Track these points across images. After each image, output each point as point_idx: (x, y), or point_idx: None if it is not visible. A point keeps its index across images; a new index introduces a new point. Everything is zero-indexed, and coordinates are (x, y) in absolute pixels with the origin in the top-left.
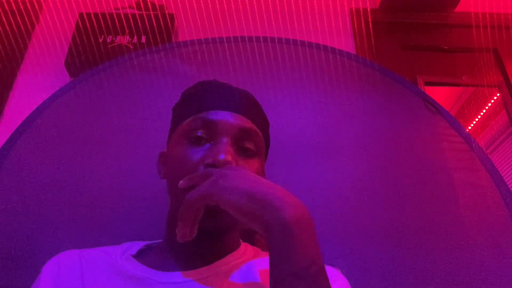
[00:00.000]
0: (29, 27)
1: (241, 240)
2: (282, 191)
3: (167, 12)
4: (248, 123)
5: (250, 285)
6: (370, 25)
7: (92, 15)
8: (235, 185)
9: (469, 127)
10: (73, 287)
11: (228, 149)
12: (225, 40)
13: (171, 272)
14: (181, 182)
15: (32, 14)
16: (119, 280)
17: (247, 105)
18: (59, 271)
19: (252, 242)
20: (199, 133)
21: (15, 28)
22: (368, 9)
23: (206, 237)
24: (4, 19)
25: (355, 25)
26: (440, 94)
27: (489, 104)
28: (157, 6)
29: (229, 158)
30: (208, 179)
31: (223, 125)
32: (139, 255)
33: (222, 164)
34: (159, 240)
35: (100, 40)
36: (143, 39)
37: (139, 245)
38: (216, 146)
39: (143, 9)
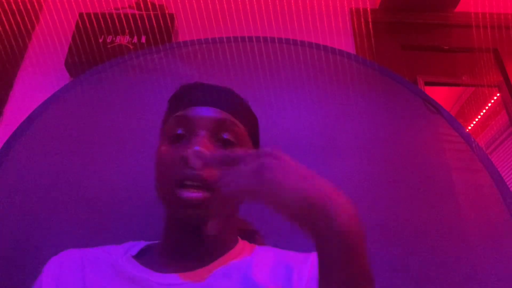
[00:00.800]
0: (29, 27)
1: (239, 238)
2: (334, 192)
3: (167, 12)
4: (223, 114)
5: (248, 285)
6: (370, 25)
7: (92, 15)
8: (285, 182)
9: (469, 127)
10: (74, 287)
11: (203, 141)
12: (225, 40)
13: (169, 274)
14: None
15: (32, 14)
16: (119, 281)
17: (224, 98)
18: (61, 271)
19: (252, 242)
20: (179, 131)
21: (15, 28)
22: (368, 9)
23: (197, 239)
24: (4, 19)
25: (355, 25)
26: (440, 94)
27: (489, 104)
28: (157, 6)
29: (203, 148)
30: (250, 168)
31: (198, 120)
32: (140, 256)
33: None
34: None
35: (100, 40)
36: (143, 39)
37: (140, 245)
38: (192, 139)
39: (143, 9)
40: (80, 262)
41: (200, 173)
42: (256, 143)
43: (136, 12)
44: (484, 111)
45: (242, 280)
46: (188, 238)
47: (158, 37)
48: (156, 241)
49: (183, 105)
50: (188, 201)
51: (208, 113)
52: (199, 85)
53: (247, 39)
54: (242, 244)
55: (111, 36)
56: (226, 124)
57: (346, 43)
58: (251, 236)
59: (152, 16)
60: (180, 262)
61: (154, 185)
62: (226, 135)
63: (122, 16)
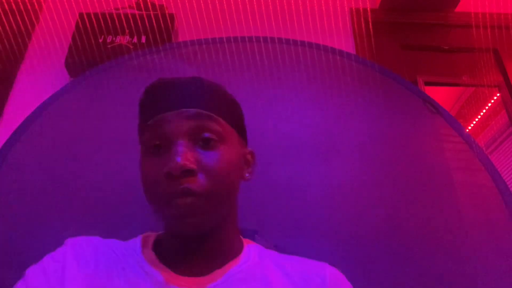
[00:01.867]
0: (29, 27)
1: (242, 238)
2: None
3: (167, 12)
4: (198, 112)
5: (259, 286)
6: (370, 25)
7: (92, 15)
8: None
9: (469, 127)
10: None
11: (182, 150)
12: (225, 40)
13: (187, 277)
14: None
15: (32, 14)
16: (140, 274)
17: (196, 94)
18: (84, 252)
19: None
20: (156, 142)
21: (15, 28)
22: (368, 9)
23: (196, 242)
24: (4, 19)
25: (355, 25)
26: (440, 94)
27: (489, 104)
28: (157, 6)
29: (184, 160)
30: None
31: (173, 127)
32: (156, 250)
33: (178, 169)
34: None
35: (100, 40)
36: (143, 39)
37: (152, 236)
38: (171, 151)
39: (143, 9)
40: (102, 250)
41: (187, 187)
42: (241, 129)
43: (136, 12)
44: (484, 111)
45: (254, 282)
46: (190, 246)
47: (158, 37)
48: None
49: (153, 111)
50: (181, 210)
51: (181, 117)
52: (164, 84)
53: (247, 39)
54: (247, 248)
55: (111, 36)
56: (202, 123)
57: (346, 43)
58: (251, 236)
59: (152, 16)
60: (191, 266)
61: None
62: (206, 135)
63: (122, 16)
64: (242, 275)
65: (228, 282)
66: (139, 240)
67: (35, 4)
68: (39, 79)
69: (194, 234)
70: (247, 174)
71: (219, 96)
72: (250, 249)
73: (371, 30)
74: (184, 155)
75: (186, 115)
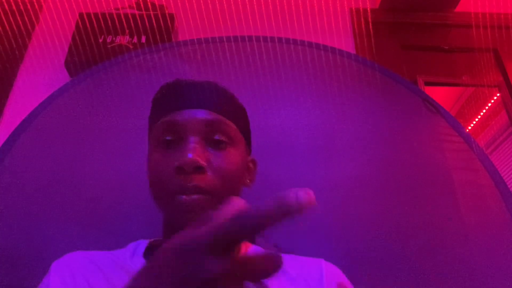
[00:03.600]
0: (29, 27)
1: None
2: None
3: (167, 12)
4: (212, 115)
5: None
6: (370, 25)
7: (92, 15)
8: None
9: (469, 127)
10: None
11: (194, 147)
12: (225, 40)
13: None
14: None
15: (32, 14)
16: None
17: (211, 97)
18: (69, 272)
19: (253, 242)
20: (168, 137)
21: (15, 28)
22: (368, 9)
23: None
24: (4, 19)
25: (355, 25)
26: (440, 94)
27: (489, 104)
28: (157, 6)
29: (196, 156)
30: None
31: (187, 124)
32: (147, 256)
33: (190, 165)
34: (161, 238)
35: (100, 40)
36: (143, 39)
37: (143, 244)
38: (183, 147)
39: (143, 9)
40: (87, 265)
41: (197, 184)
42: (248, 138)
43: (136, 12)
44: (484, 111)
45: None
46: None
47: (158, 37)
48: (157, 238)
49: (169, 108)
50: (187, 206)
51: (196, 116)
52: (182, 84)
53: (247, 39)
54: (244, 244)
55: (111, 36)
56: (216, 126)
57: (346, 43)
58: (252, 237)
59: (152, 16)
60: None
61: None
62: (217, 136)
63: (122, 16)
64: None
65: None
66: (128, 249)
67: (35, 4)
68: (39, 79)
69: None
70: (248, 180)
71: (232, 102)
72: (249, 250)
73: (371, 30)
74: (196, 151)
75: (201, 116)
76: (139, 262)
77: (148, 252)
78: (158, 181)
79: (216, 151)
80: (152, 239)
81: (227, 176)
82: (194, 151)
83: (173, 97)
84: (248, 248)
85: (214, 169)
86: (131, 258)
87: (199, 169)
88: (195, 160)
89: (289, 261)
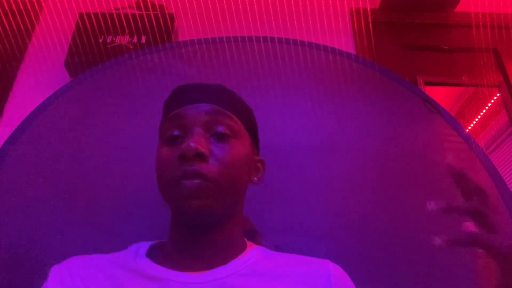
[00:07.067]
0: (29, 27)
1: (247, 241)
2: None
3: (167, 12)
4: (215, 108)
5: (266, 285)
6: (370, 25)
7: (92, 15)
8: None
9: (469, 127)
10: None
11: (197, 137)
12: (225, 40)
13: (188, 272)
14: None
15: (32, 14)
16: (138, 280)
17: (216, 93)
18: (68, 278)
19: (252, 241)
20: (175, 132)
21: (15, 28)
22: (368, 9)
23: (200, 233)
24: (4, 19)
25: (355, 25)
26: (440, 94)
27: (489, 104)
28: (157, 6)
29: (198, 145)
30: None
31: (190, 117)
32: (151, 255)
33: (191, 151)
34: (163, 240)
35: (100, 40)
36: (143, 39)
37: (146, 245)
38: (187, 137)
39: (143, 9)
40: (86, 269)
41: (198, 169)
42: (254, 136)
43: (136, 12)
44: (484, 111)
45: (259, 280)
46: (195, 237)
47: (158, 37)
48: (160, 240)
49: (176, 106)
50: (190, 191)
51: (200, 109)
52: (190, 85)
53: (247, 39)
54: (250, 248)
55: (111, 36)
56: (219, 118)
57: (346, 43)
58: (251, 236)
59: (152, 16)
60: (194, 261)
61: (155, 185)
62: (220, 129)
63: (122, 16)
64: (247, 270)
65: (232, 277)
66: (130, 251)
67: (35, 4)
68: (39, 79)
69: (198, 219)
70: (255, 178)
71: (237, 100)
72: (254, 250)
73: (371, 30)
74: (198, 140)
75: (204, 109)
76: (143, 262)
77: (151, 253)
78: (163, 171)
79: (219, 143)
80: (151, 242)
81: (229, 166)
82: (195, 140)
83: (179, 96)
84: (253, 249)
85: (216, 159)
86: (134, 258)
87: (200, 156)
88: (195, 148)
89: (295, 261)
